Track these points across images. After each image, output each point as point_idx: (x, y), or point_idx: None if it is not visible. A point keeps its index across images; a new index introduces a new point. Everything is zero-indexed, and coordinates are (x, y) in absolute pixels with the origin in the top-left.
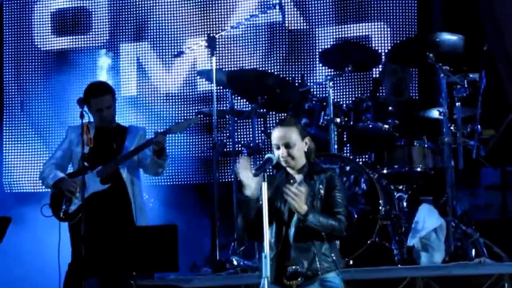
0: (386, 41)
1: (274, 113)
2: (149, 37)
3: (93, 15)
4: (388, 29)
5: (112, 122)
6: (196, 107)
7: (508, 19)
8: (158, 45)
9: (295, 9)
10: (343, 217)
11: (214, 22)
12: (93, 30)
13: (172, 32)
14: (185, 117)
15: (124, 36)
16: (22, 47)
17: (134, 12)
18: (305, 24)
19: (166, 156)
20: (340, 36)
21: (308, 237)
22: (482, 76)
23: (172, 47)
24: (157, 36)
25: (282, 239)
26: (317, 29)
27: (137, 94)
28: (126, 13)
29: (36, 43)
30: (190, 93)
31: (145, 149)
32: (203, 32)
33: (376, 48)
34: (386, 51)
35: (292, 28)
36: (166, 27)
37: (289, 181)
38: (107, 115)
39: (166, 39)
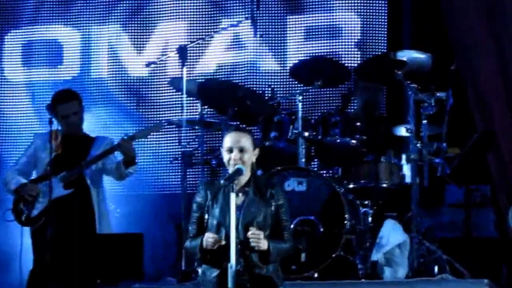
0: (356, 32)
1: (244, 125)
2: (120, 19)
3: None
4: (358, 19)
5: (79, 130)
6: (166, 92)
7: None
8: (129, 27)
9: None
10: (291, 238)
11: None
12: (65, 63)
13: (144, 14)
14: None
15: (95, 18)
16: None
17: None
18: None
19: (136, 165)
20: (310, 25)
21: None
22: (449, 95)
23: (144, 30)
24: (128, 18)
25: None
26: (287, 17)
27: (107, 76)
28: None
29: (5, 75)
30: (160, 77)
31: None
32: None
33: (346, 40)
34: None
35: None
36: (138, 9)
37: (237, 195)
38: (74, 120)
39: (138, 21)
